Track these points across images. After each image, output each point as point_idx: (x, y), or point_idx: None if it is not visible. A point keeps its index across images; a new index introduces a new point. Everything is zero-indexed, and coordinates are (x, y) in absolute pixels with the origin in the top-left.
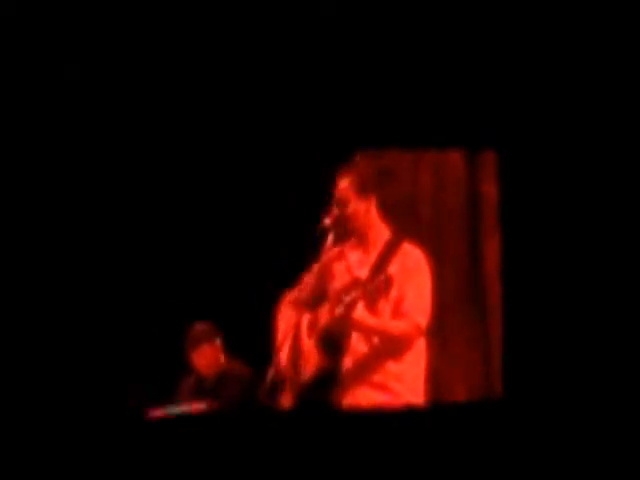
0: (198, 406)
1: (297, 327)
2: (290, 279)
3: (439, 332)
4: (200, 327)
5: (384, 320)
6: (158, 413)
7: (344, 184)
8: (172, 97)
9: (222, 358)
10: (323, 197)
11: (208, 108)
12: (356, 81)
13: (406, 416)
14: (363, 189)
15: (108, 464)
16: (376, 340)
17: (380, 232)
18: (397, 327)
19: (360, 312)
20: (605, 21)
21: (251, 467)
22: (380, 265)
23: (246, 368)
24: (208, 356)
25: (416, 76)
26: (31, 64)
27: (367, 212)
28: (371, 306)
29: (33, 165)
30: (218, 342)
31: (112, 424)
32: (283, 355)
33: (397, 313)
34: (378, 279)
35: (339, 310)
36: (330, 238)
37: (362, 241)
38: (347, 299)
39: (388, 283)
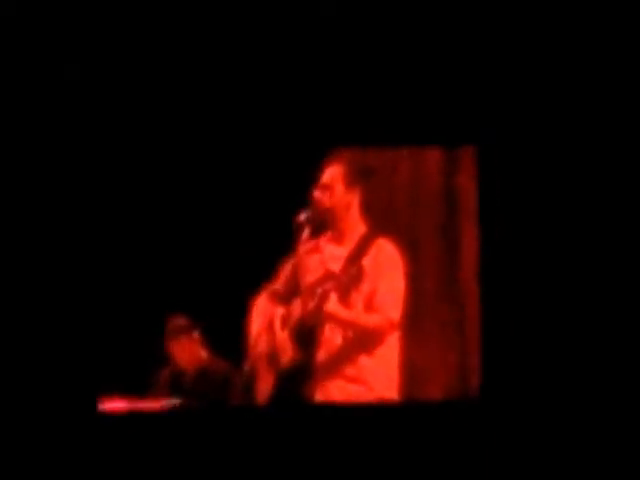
0: (174, 401)
1: (271, 320)
2: (266, 273)
3: (415, 328)
4: (178, 320)
5: (357, 313)
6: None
7: (334, 171)
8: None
9: (202, 352)
10: (299, 192)
11: (208, 108)
12: (334, 79)
13: (380, 411)
14: (351, 180)
15: (83, 459)
16: (349, 333)
17: (356, 227)
18: (369, 320)
19: (333, 304)
20: (582, 16)
21: (227, 462)
22: (354, 259)
23: (226, 364)
24: (187, 349)
25: (393, 73)
26: (31, 64)
27: (349, 204)
28: (344, 299)
29: (33, 165)
30: (197, 335)
31: (90, 417)
32: (258, 349)
33: (369, 307)
34: (350, 271)
35: (312, 303)
36: (306, 232)
37: (338, 235)
38: (319, 291)
39: (359, 275)
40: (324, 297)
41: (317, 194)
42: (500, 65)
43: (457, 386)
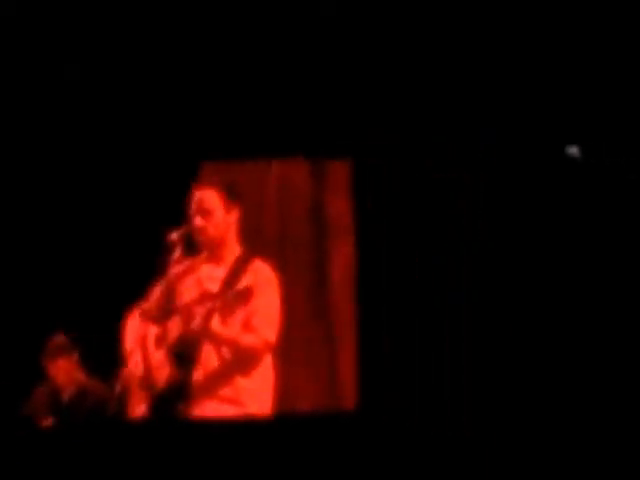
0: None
1: (144, 339)
2: (137, 292)
3: (285, 345)
4: (57, 340)
5: (236, 333)
6: None
7: (211, 195)
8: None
9: (79, 373)
10: (169, 209)
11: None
12: (201, 91)
13: (256, 427)
14: (229, 202)
15: None
16: (226, 354)
17: (232, 247)
18: (248, 341)
19: (215, 324)
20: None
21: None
22: (231, 280)
23: (103, 385)
24: (65, 369)
25: (263, 82)
26: (31, 64)
27: (228, 225)
28: (224, 319)
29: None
30: (75, 356)
31: None
32: (131, 367)
33: (247, 328)
34: (236, 291)
35: (196, 322)
36: (177, 251)
37: (213, 256)
38: (203, 310)
39: (247, 295)
40: (208, 317)
41: (198, 221)
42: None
43: (327, 401)
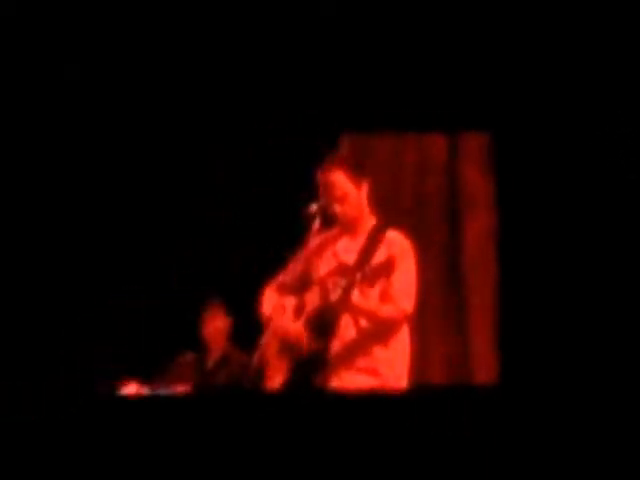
0: (182, 388)
1: (282, 311)
2: (276, 265)
3: (418, 317)
4: (217, 302)
5: (376, 305)
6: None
7: (337, 175)
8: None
9: (228, 340)
10: (308, 182)
11: (210, 103)
12: (338, 64)
13: (395, 400)
14: (357, 177)
15: (100, 442)
16: (364, 325)
17: (367, 219)
18: (387, 312)
19: (356, 297)
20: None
21: (236, 450)
22: (367, 251)
23: (244, 356)
24: (218, 331)
25: (401, 56)
26: (31, 64)
27: (360, 199)
28: (363, 291)
29: (33, 165)
30: (230, 322)
31: (108, 400)
32: (269, 338)
33: (385, 299)
34: (376, 263)
35: (336, 294)
36: (316, 224)
37: (349, 228)
38: (342, 283)
39: (387, 267)
40: (348, 289)
41: (337, 209)
42: (513, 46)
43: (458, 373)
